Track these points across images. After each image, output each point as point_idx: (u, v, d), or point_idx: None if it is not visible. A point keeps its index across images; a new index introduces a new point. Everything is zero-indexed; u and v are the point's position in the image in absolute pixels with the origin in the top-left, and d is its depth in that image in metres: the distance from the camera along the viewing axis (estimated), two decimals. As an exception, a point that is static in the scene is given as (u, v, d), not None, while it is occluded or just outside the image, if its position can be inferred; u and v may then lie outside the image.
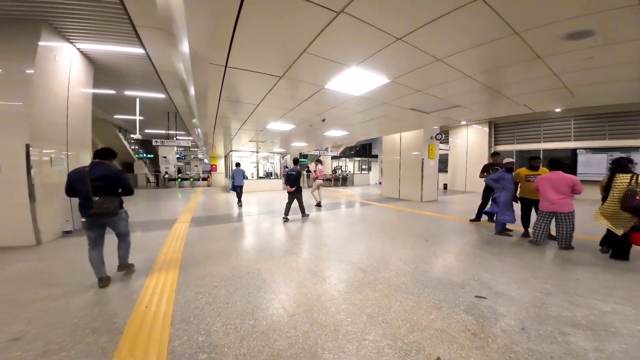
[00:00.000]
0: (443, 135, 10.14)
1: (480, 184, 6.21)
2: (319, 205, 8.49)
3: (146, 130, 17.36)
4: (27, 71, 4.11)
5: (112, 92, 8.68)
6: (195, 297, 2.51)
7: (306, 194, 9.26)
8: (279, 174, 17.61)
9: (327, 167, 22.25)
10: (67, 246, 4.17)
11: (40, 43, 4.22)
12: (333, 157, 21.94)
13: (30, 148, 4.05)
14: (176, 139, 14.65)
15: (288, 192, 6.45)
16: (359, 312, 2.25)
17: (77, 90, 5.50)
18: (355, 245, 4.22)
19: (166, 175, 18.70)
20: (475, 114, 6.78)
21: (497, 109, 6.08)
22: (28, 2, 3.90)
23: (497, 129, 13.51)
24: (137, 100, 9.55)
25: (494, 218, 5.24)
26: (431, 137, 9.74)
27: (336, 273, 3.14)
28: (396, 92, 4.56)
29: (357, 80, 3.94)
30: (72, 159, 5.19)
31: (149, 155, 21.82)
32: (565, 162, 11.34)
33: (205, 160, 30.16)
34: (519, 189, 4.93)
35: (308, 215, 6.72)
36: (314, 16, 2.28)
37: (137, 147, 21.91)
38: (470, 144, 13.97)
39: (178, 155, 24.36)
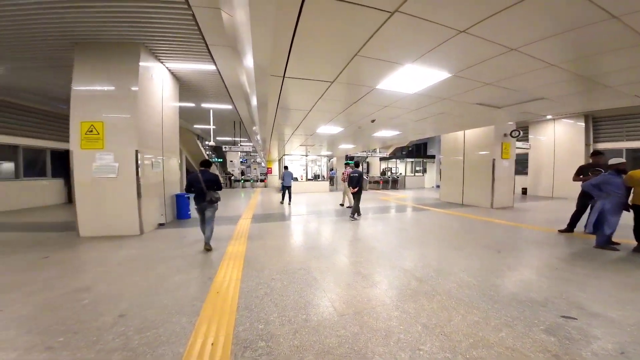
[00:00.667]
0: (521, 132, 8.71)
1: (575, 188, 5.14)
2: (342, 205, 9.20)
3: (217, 138, 19.95)
4: (132, 88, 5.10)
5: (192, 105, 10.27)
6: (256, 288, 2.78)
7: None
8: (325, 176, 17.89)
9: (375, 169, 21.55)
10: (162, 236, 5.10)
11: (140, 63, 5.18)
12: (382, 159, 21.15)
13: (138, 154, 5.11)
14: (240, 145, 16.44)
15: (352, 193, 6.97)
16: (413, 321, 2.14)
17: (168, 104, 6.69)
18: (408, 252, 4.00)
19: (232, 177, 21.13)
20: (564, 107, 5.66)
21: (595, 100, 4.99)
22: (128, 27, 4.67)
23: (597, 123, 10.93)
24: (211, 111, 11.06)
25: (590, 228, 4.21)
26: (505, 135, 8.50)
27: (387, 279, 3.05)
28: (459, 87, 4.17)
29: (411, 78, 3.77)
30: (165, 163, 6.35)
31: (219, 160, 25.00)
32: None
33: (262, 164, 32.84)
34: (631, 194, 3.90)
35: (359, 217, 6.85)
36: (366, 19, 2.29)
37: (210, 152, 25.40)
38: (559, 141, 11.64)
39: (241, 160, 27.28)
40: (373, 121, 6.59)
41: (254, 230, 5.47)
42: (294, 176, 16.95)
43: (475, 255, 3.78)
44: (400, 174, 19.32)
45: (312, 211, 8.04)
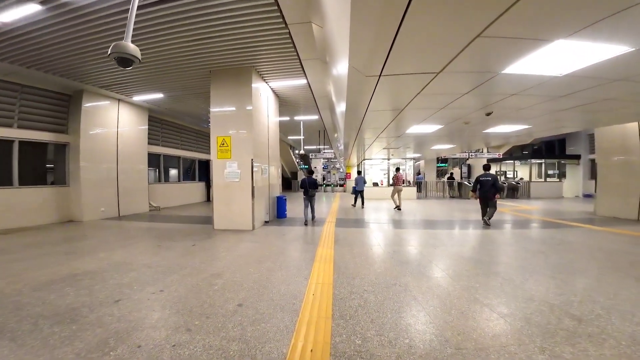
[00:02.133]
0: None
1: None
2: (398, 208, 9.51)
3: (305, 147, 21.79)
4: (247, 107, 6.13)
5: (287, 118, 11.53)
6: (349, 297, 2.67)
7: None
8: (411, 181, 16.09)
9: (479, 173, 17.73)
10: (269, 232, 5.87)
11: (253, 85, 6.15)
12: (491, 160, 17.29)
13: (253, 162, 6.07)
14: (323, 152, 17.24)
15: (487, 199, 6.34)
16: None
17: (272, 119, 7.71)
18: (552, 282, 2.96)
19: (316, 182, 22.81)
20: None
21: None
22: (243, 53, 5.47)
23: None
24: (302, 123, 12.09)
25: None
26: None
27: (522, 312, 2.31)
28: None
29: (560, 58, 2.85)
30: (269, 169, 7.33)
31: (305, 166, 27.27)
32: None
33: (341, 169, 33.38)
34: None
35: (489, 225, 6.20)
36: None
37: (299, 160, 28.07)
38: None
39: (323, 166, 28.79)
40: (489, 114, 5.41)
41: (339, 235, 5.49)
42: (374, 181, 16.32)
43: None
44: (521, 179, 15.28)
45: (401, 220, 7.44)
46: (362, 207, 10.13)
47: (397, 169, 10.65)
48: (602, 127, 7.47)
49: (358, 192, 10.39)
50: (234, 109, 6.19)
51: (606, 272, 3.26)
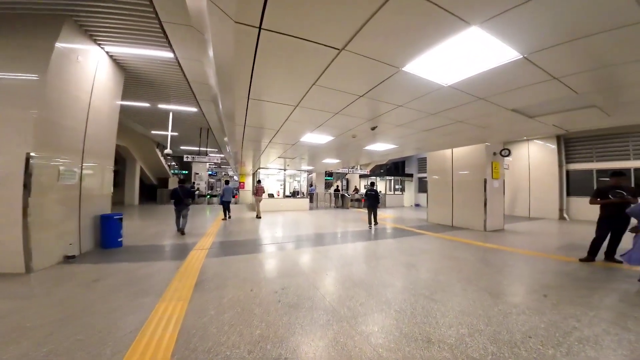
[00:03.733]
0: (510, 152, 8.40)
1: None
2: (258, 217, 10.38)
3: (181, 147, 17.69)
4: (38, 74, 3.62)
5: (146, 104, 8.51)
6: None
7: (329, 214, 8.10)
8: (305, 193, 16.55)
9: (354, 184, 20.83)
10: (68, 276, 3.34)
11: (59, 44, 3.76)
12: (362, 176, 20.61)
13: (31, 159, 3.41)
14: (207, 155, 14.49)
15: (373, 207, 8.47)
16: None
17: (106, 99, 5.07)
18: (435, 306, 2.82)
19: (197, 192, 18.66)
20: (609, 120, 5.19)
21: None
22: None
23: (569, 144, 11.31)
24: (170, 114, 9.35)
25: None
26: (494, 153, 8.10)
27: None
28: (518, 79, 3.23)
29: (458, 58, 2.77)
30: (87, 172, 4.59)
31: (183, 172, 22.32)
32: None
33: (235, 177, 30.53)
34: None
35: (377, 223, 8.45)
36: None
37: (173, 163, 22.59)
38: (534, 162, 11.86)
39: (210, 172, 24.74)
40: (374, 128, 5.55)
41: (209, 269, 3.87)
42: (270, 192, 15.48)
43: (519, 304, 2.72)
44: (380, 191, 18.78)
45: (291, 237, 6.58)
46: (227, 218, 9.70)
47: (259, 181, 11.25)
48: (432, 151, 9.80)
49: (225, 203, 9.73)
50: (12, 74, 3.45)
51: (463, 284, 3.61)
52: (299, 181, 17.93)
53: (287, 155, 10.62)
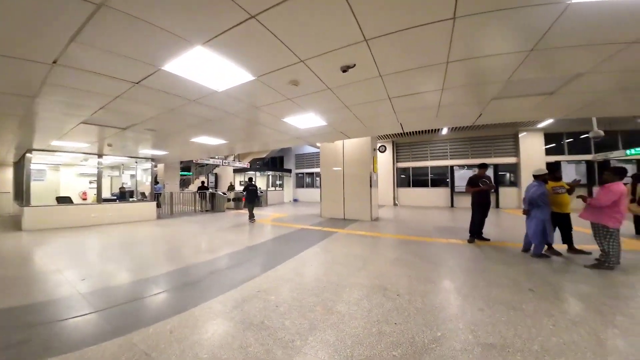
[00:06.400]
0: (386, 148, 9.61)
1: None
2: None
3: None
4: None
5: None
6: None
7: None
8: (144, 194, 10.41)
9: (228, 180, 17.41)
10: None
11: None
12: (237, 170, 17.71)
13: None
14: None
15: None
16: None
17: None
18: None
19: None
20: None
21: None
22: None
23: (398, 148, 15.11)
24: None
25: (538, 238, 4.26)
26: (374, 149, 8.95)
27: None
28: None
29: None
30: None
31: None
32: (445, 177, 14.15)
33: None
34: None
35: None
36: None
37: None
38: (379, 160, 14.81)
39: None
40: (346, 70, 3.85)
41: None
42: (61, 195, 8.68)
43: (461, 303, 2.47)
44: (260, 188, 16.41)
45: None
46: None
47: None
48: (325, 142, 9.43)
49: None
50: None
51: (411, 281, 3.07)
52: (134, 175, 11.76)
53: (107, 121, 5.99)
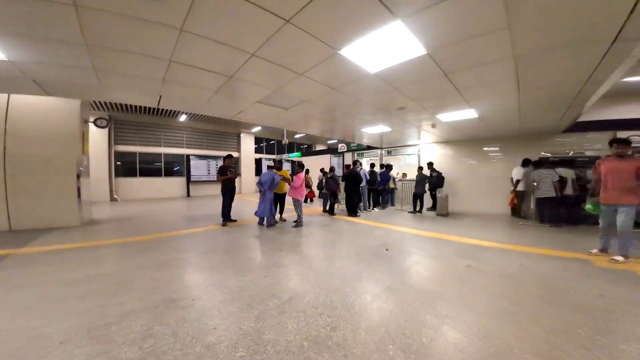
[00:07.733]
0: (108, 122, 6.88)
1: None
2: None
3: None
4: None
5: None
6: None
7: None
8: None
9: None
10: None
11: None
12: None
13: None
14: None
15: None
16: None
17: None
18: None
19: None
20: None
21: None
22: None
23: (118, 126, 11.58)
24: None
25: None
26: (86, 121, 6.10)
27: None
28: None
29: None
30: None
31: None
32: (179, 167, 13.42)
33: None
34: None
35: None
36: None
37: None
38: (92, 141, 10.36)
39: None
40: None
41: None
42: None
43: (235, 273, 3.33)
44: None
45: None
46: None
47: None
48: None
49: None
50: None
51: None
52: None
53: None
